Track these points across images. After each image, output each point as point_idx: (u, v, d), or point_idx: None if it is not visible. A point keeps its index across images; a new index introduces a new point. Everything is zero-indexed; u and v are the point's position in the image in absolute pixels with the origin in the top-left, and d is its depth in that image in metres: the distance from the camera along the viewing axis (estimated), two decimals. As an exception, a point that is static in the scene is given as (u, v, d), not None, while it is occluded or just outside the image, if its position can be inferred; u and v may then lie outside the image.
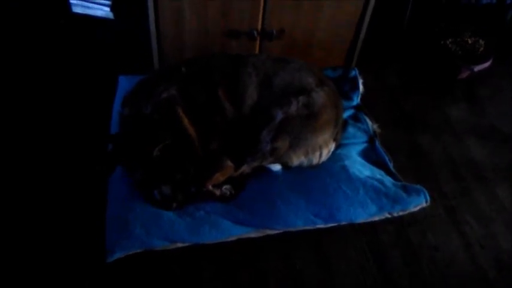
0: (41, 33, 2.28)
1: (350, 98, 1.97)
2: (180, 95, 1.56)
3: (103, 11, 2.23)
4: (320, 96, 1.64)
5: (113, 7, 2.22)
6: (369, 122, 1.89)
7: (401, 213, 1.60)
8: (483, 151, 1.95)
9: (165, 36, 1.91)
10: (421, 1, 2.44)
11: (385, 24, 2.39)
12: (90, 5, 2.22)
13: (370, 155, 1.79)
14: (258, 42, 1.97)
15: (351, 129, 1.85)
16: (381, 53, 2.39)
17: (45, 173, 1.68)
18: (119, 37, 2.28)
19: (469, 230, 1.65)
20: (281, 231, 1.54)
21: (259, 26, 1.91)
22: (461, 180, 1.82)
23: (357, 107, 1.97)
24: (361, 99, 1.99)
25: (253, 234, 1.52)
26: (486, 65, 2.25)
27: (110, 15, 2.24)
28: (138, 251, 1.43)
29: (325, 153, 1.66)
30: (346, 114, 1.90)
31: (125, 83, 1.88)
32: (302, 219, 1.51)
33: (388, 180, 1.64)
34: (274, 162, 1.63)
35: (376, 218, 1.58)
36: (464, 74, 2.27)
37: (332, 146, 1.69)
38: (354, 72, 2.05)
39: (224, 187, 1.56)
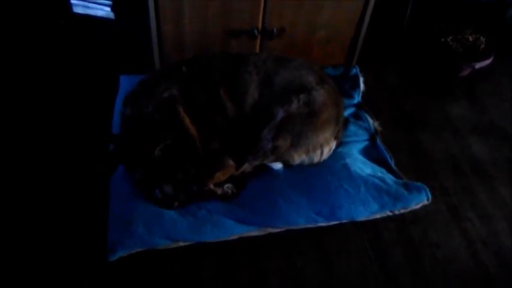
0: (41, 33, 2.29)
1: (351, 96, 1.97)
2: (181, 95, 1.56)
3: (104, 11, 2.24)
4: (321, 95, 1.65)
5: (114, 7, 2.22)
6: (370, 120, 1.89)
7: (402, 211, 1.60)
8: (484, 148, 1.95)
9: (165, 36, 1.91)
10: (421, -1, 2.44)
11: (385, 23, 2.39)
12: (91, 5, 2.23)
13: (371, 153, 1.79)
14: (258, 41, 1.97)
15: (352, 127, 1.85)
16: (381, 51, 2.39)
17: (46, 172, 1.69)
18: (120, 37, 2.28)
19: (470, 227, 1.65)
20: (283, 229, 1.54)
21: (260, 25, 1.91)
22: (462, 178, 1.82)
23: (357, 105, 1.97)
24: (362, 97, 2.00)
25: (255, 232, 1.53)
26: (487, 62, 2.25)
27: (111, 15, 2.24)
28: (140, 250, 1.44)
29: (326, 152, 1.67)
30: (347, 112, 1.90)
31: (126, 83, 1.88)
32: (303, 218, 1.52)
33: (389, 178, 1.64)
34: (275, 161, 1.63)
35: (378, 216, 1.59)
36: (466, 72, 2.27)
37: (333, 144, 1.69)
38: (355, 70, 2.05)
39: (226, 186, 1.57)
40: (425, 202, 1.60)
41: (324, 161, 1.67)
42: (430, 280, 1.49)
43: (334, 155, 1.70)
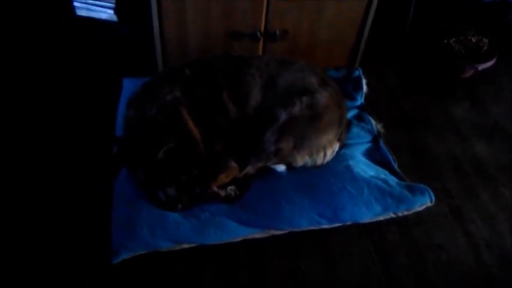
0: (45, 36, 2.30)
1: (354, 98, 1.97)
2: (184, 97, 1.56)
3: (107, 13, 2.25)
4: (323, 97, 1.65)
5: (117, 10, 2.23)
6: (373, 122, 1.89)
7: (406, 213, 1.60)
8: (487, 150, 1.95)
9: (168, 38, 1.92)
10: (423, 0, 2.43)
11: (387, 24, 2.39)
12: (94, 7, 2.24)
13: (374, 155, 1.79)
14: (261, 43, 1.98)
15: (354, 129, 1.85)
16: (383, 53, 2.39)
17: (50, 175, 1.69)
18: (123, 39, 2.29)
19: (474, 228, 1.65)
20: (286, 231, 1.54)
21: (263, 27, 1.92)
22: (465, 179, 1.82)
23: (360, 107, 1.97)
24: (364, 99, 2.00)
25: (258, 234, 1.53)
26: (490, 63, 2.24)
27: (114, 17, 2.25)
28: (144, 252, 1.44)
29: (330, 154, 1.67)
30: (350, 114, 1.90)
31: (129, 85, 1.89)
32: (307, 220, 1.52)
33: (392, 179, 1.64)
34: (278, 163, 1.63)
35: (381, 218, 1.59)
36: (468, 73, 2.26)
37: (336, 146, 1.69)
38: (358, 72, 2.06)
39: (229, 188, 1.57)
40: (429, 204, 1.60)
41: (327, 163, 1.67)
42: (433, 282, 1.49)
43: (337, 157, 1.70)
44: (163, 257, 1.47)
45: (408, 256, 1.55)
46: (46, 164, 1.73)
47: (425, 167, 1.86)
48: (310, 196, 1.55)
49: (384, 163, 1.76)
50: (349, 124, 1.85)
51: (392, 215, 1.59)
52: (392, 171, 1.71)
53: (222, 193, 1.55)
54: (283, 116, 1.60)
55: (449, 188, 1.78)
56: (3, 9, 2.29)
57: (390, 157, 1.76)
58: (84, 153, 1.77)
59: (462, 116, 2.09)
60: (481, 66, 2.24)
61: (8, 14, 2.31)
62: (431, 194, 1.60)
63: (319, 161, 1.66)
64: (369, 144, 1.83)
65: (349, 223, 1.56)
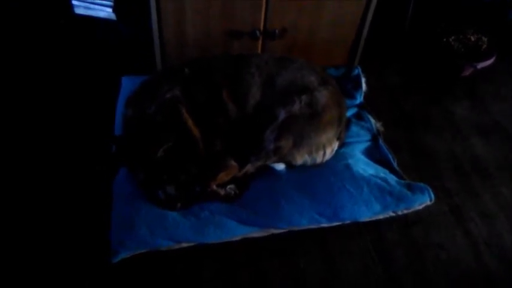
0: (43, 34, 2.29)
1: (353, 97, 1.97)
2: (184, 96, 1.56)
3: (105, 12, 2.24)
4: (323, 95, 1.65)
5: (115, 8, 2.22)
6: (372, 121, 1.89)
7: (405, 212, 1.60)
8: (486, 148, 1.95)
9: (167, 37, 1.91)
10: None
11: (387, 23, 2.39)
12: (92, 6, 2.23)
13: (373, 154, 1.79)
14: (260, 42, 1.97)
15: (354, 128, 1.85)
16: (383, 51, 2.39)
17: (48, 174, 1.69)
18: (121, 38, 2.28)
19: (473, 227, 1.64)
20: (285, 230, 1.54)
21: (262, 26, 1.91)
22: (465, 178, 1.82)
23: (360, 106, 1.97)
24: (364, 97, 1.99)
25: (258, 233, 1.53)
26: (489, 62, 2.24)
27: (112, 16, 2.24)
28: (143, 251, 1.44)
29: (329, 152, 1.66)
30: (349, 112, 1.90)
31: (128, 84, 1.88)
32: (306, 218, 1.51)
33: (392, 178, 1.64)
34: (278, 162, 1.63)
35: (381, 217, 1.59)
36: (467, 72, 2.26)
37: (335, 144, 1.69)
38: (357, 70, 2.05)
39: (228, 187, 1.57)
40: (428, 203, 1.60)
41: (327, 161, 1.67)
42: (433, 281, 1.49)
43: (337, 155, 1.70)
44: (162, 256, 1.47)
45: (407, 255, 1.55)
46: (45, 163, 1.73)
47: (424, 165, 1.86)
48: (310, 195, 1.54)
49: (383, 162, 1.75)
50: (348, 123, 1.85)
51: (392, 214, 1.59)
52: (391, 170, 1.71)
53: (222, 192, 1.55)
54: (282, 115, 1.60)
55: (449, 187, 1.77)
56: (1, 7, 2.28)
57: (390, 156, 1.76)
58: (83, 152, 1.76)
59: (462, 115, 2.09)
60: (480, 65, 2.24)
61: (6, 12, 2.29)
62: (431, 192, 1.60)
63: (319, 159, 1.65)
64: (369, 143, 1.82)
65: (348, 222, 1.56)
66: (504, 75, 2.31)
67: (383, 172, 1.68)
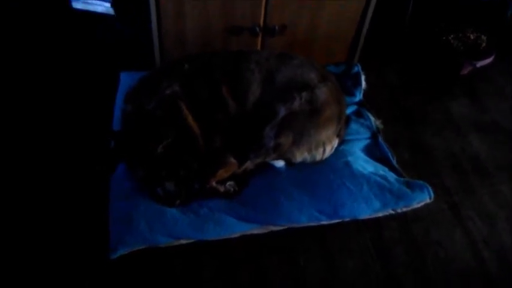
0: (40, 29, 2.27)
1: (353, 94, 1.96)
2: (183, 92, 1.55)
3: (103, 6, 2.22)
4: (323, 92, 1.64)
5: (114, 3, 2.21)
6: (372, 118, 1.88)
7: (404, 210, 1.59)
8: (485, 147, 1.95)
9: (166, 33, 1.90)
10: (422, -3, 2.43)
11: (386, 21, 2.38)
12: (91, 0, 2.21)
13: (373, 151, 1.78)
14: (260, 38, 1.96)
15: (353, 125, 1.85)
16: (382, 49, 2.38)
17: (46, 170, 1.68)
18: (120, 33, 2.26)
19: (472, 226, 1.65)
20: (285, 227, 1.53)
21: (261, 22, 1.90)
22: (464, 176, 1.82)
23: (359, 103, 1.96)
24: (363, 95, 1.99)
25: (257, 230, 1.52)
26: (488, 60, 2.24)
27: (111, 11, 2.22)
28: (142, 247, 1.43)
29: (329, 150, 1.66)
30: (349, 110, 1.89)
31: (126, 79, 1.87)
32: (306, 216, 1.51)
33: (391, 176, 1.64)
34: (277, 159, 1.62)
35: (380, 214, 1.58)
36: (466, 70, 2.26)
37: (335, 142, 1.68)
38: (357, 68, 2.05)
39: (228, 183, 1.56)
40: (428, 201, 1.60)
41: (326, 159, 1.67)
42: (431, 278, 1.49)
43: (336, 153, 1.69)
44: (161, 253, 1.46)
45: (407, 252, 1.55)
46: (42, 159, 1.71)
47: (423, 163, 1.86)
48: (310, 192, 1.54)
49: (382, 159, 1.75)
50: (348, 120, 1.84)
51: (391, 212, 1.59)
52: (391, 168, 1.71)
53: (221, 189, 1.54)
54: (282, 112, 1.59)
55: (448, 185, 1.78)
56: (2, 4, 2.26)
57: (389, 153, 1.76)
58: (81, 148, 1.75)
59: (461, 113, 2.09)
60: (480, 64, 2.24)
61: (3, 7, 2.27)
62: (431, 190, 1.59)
63: (318, 156, 1.65)
64: (368, 141, 1.82)
65: (348, 219, 1.56)
66: (503, 74, 2.31)
67: (382, 170, 1.68)
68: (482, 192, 1.76)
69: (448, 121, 2.05)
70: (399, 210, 1.59)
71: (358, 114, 1.92)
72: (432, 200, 1.60)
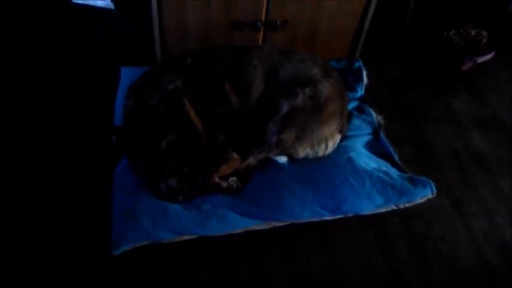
0: (41, 24, 2.25)
1: (354, 90, 1.96)
2: (186, 87, 1.54)
3: (103, 1, 2.21)
4: (326, 88, 1.64)
5: (114, -3, 2.20)
6: (374, 114, 1.88)
7: (407, 205, 1.60)
8: (486, 143, 1.95)
9: (167, 28, 1.88)
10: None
11: (387, 17, 2.37)
12: (90, -5, 2.20)
13: (375, 147, 1.78)
14: (261, 33, 1.95)
15: (355, 121, 1.85)
16: (383, 45, 2.38)
17: (48, 167, 1.66)
18: (120, 28, 2.25)
19: (474, 221, 1.65)
20: (287, 223, 1.53)
21: (263, 17, 1.89)
22: (465, 172, 1.82)
23: (361, 99, 1.96)
24: (365, 90, 1.99)
25: (260, 226, 1.52)
26: (489, 56, 2.25)
27: (111, 5, 2.21)
28: (145, 243, 1.42)
29: (331, 145, 1.66)
30: (351, 106, 1.89)
31: (127, 74, 1.86)
32: (309, 211, 1.51)
33: (394, 172, 1.64)
34: (280, 154, 1.62)
35: (383, 210, 1.59)
36: (467, 66, 2.26)
37: (338, 137, 1.68)
38: (358, 63, 2.05)
39: (230, 179, 1.55)
40: (430, 196, 1.60)
41: (329, 154, 1.66)
42: (434, 273, 1.50)
43: (339, 148, 1.69)
44: (164, 249, 1.45)
45: (409, 248, 1.55)
46: (43, 156, 1.70)
47: (425, 159, 1.86)
48: (313, 188, 1.54)
49: (384, 155, 1.75)
50: (350, 116, 1.84)
51: (394, 207, 1.59)
52: (393, 163, 1.71)
53: (224, 184, 1.54)
54: (285, 107, 1.59)
55: (449, 180, 1.78)
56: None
57: (391, 149, 1.76)
58: (82, 144, 1.74)
59: (462, 109, 2.09)
60: (480, 59, 2.24)
61: (4, 3, 2.25)
62: (433, 186, 1.60)
63: (321, 152, 1.65)
64: (370, 136, 1.82)
65: (350, 215, 1.56)
66: (504, 70, 2.31)
67: (385, 165, 1.68)
68: (483, 187, 1.77)
69: (450, 117, 2.06)
70: (401, 206, 1.60)
71: (359, 109, 1.92)
72: (434, 195, 1.60)
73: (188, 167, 1.47)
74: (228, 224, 1.48)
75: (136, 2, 2.11)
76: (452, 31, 2.30)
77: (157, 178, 1.46)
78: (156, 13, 1.81)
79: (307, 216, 1.52)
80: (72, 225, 1.50)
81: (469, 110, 2.10)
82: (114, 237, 1.39)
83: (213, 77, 1.59)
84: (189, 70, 1.58)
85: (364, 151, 1.72)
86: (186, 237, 1.47)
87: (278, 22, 1.91)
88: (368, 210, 1.56)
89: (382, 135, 1.81)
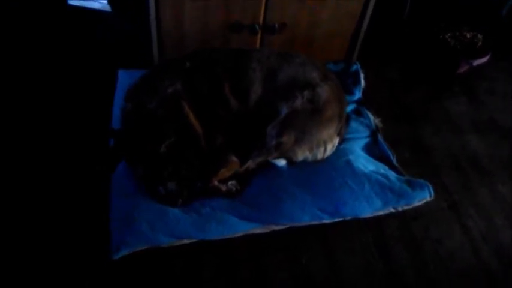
0: (37, 26, 2.23)
1: (352, 93, 1.96)
2: (185, 90, 1.54)
3: (100, 3, 2.20)
4: (324, 91, 1.64)
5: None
6: (371, 117, 1.89)
7: (405, 208, 1.60)
8: (483, 145, 1.97)
9: (165, 29, 1.88)
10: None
11: (385, 20, 2.38)
12: (87, -3, 2.19)
13: (373, 150, 1.79)
14: (259, 36, 1.95)
15: (353, 124, 1.85)
16: (380, 48, 2.39)
17: (46, 170, 1.65)
18: (117, 30, 2.23)
19: (471, 223, 1.66)
20: (286, 226, 1.53)
21: (261, 20, 1.89)
22: (462, 174, 1.83)
23: (358, 102, 1.96)
24: (362, 93, 1.99)
25: (259, 230, 1.52)
26: (485, 59, 2.26)
27: (107, 7, 2.20)
28: (144, 248, 1.42)
29: (330, 148, 1.66)
30: (349, 108, 1.89)
31: (124, 77, 1.85)
32: (308, 215, 1.51)
33: (392, 174, 1.65)
34: (279, 158, 1.62)
35: (381, 213, 1.59)
36: (463, 69, 2.28)
37: (336, 140, 1.69)
38: (356, 66, 2.05)
39: (230, 183, 1.55)
40: (428, 199, 1.61)
41: (327, 157, 1.67)
42: (432, 275, 1.51)
43: (337, 151, 1.69)
44: (163, 253, 1.45)
45: (408, 250, 1.56)
46: (41, 158, 1.69)
47: (422, 161, 1.87)
48: (312, 191, 1.54)
49: (382, 158, 1.76)
50: (348, 118, 1.84)
51: (392, 210, 1.60)
52: (391, 166, 1.72)
53: (223, 188, 1.54)
54: (284, 110, 1.59)
55: (447, 183, 1.79)
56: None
57: (389, 152, 1.76)
58: (80, 147, 1.73)
59: (459, 112, 2.11)
60: (476, 62, 2.26)
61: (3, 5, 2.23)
62: (431, 189, 1.61)
63: (320, 155, 1.65)
64: (368, 139, 1.82)
65: (349, 218, 1.56)
66: (499, 73, 2.33)
67: (383, 168, 1.68)
68: (480, 190, 1.78)
69: (447, 119, 2.07)
70: (400, 209, 1.60)
71: (357, 112, 1.92)
72: (432, 198, 1.61)
73: (187, 171, 1.47)
74: (228, 227, 1.47)
75: (134, 4, 2.10)
76: (449, 34, 2.31)
77: (156, 182, 1.46)
78: (154, 15, 1.81)
79: (306, 219, 1.52)
80: (70, 229, 1.49)
81: (466, 112, 2.11)
82: (113, 241, 1.38)
83: (212, 79, 1.59)
84: (188, 73, 1.58)
85: (362, 154, 1.73)
86: (185, 241, 1.46)
87: (276, 25, 1.92)
88: (367, 213, 1.56)
89: (380, 138, 1.82)
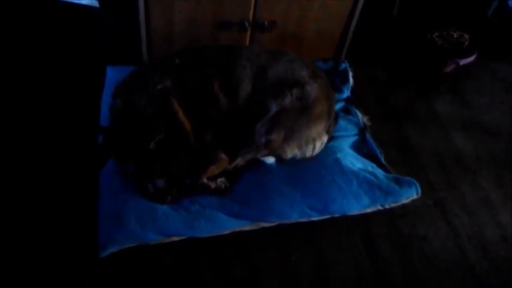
0: (24, 21, 2.19)
1: (340, 91, 1.98)
2: (175, 87, 1.54)
3: (88, -1, 2.17)
4: (313, 89, 1.65)
5: (99, -5, 2.16)
6: (359, 115, 1.90)
7: (393, 205, 1.63)
8: (468, 143, 1.99)
9: (154, 27, 1.86)
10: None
11: (373, 18, 2.40)
12: (75, -8, 2.16)
13: (361, 148, 1.80)
14: (249, 33, 1.95)
15: (342, 122, 1.86)
16: (369, 46, 2.40)
17: (33, 168, 1.63)
18: (105, 27, 2.21)
19: (456, 220, 1.69)
20: (275, 223, 1.54)
21: (251, 18, 1.89)
22: (448, 172, 1.86)
23: (347, 100, 1.98)
24: (351, 91, 2.01)
25: (248, 227, 1.52)
26: (471, 59, 2.29)
27: (95, 3, 2.17)
28: (132, 245, 1.41)
29: (318, 146, 1.67)
30: (337, 106, 1.91)
31: (113, 74, 1.84)
32: (297, 212, 1.52)
33: (380, 172, 1.67)
34: (268, 155, 1.62)
35: (369, 210, 1.61)
36: (449, 68, 2.31)
37: (325, 138, 1.70)
38: (344, 65, 2.06)
39: (219, 180, 1.56)
40: (415, 196, 1.63)
41: (316, 155, 1.68)
42: (418, 272, 1.53)
43: (326, 149, 1.71)
44: (151, 251, 1.44)
45: (394, 247, 1.58)
46: (29, 156, 1.67)
47: (409, 160, 1.89)
48: (300, 188, 1.55)
49: (370, 156, 1.77)
50: (336, 117, 1.86)
51: (380, 207, 1.62)
52: (378, 164, 1.73)
53: (212, 185, 1.54)
54: (273, 108, 1.60)
55: (433, 181, 1.81)
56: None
57: (377, 150, 1.78)
58: (68, 144, 1.71)
59: (445, 110, 2.13)
60: (462, 62, 2.28)
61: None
62: (418, 187, 1.63)
63: (309, 153, 1.66)
64: (356, 137, 1.84)
65: (337, 215, 1.57)
66: (485, 72, 2.37)
67: (371, 166, 1.70)
68: (465, 187, 1.81)
69: (433, 118, 2.09)
70: (387, 206, 1.62)
71: (346, 110, 1.94)
72: (419, 195, 1.63)
73: (176, 168, 1.47)
74: (217, 225, 1.48)
75: (123, 1, 2.08)
76: (436, 33, 2.34)
77: (145, 179, 1.45)
78: (143, 12, 1.79)
79: (295, 216, 1.53)
80: (58, 227, 1.48)
81: (452, 111, 2.14)
82: (101, 239, 1.37)
83: (202, 76, 1.59)
84: (177, 70, 1.58)
85: (350, 152, 1.74)
86: (174, 239, 1.46)
87: (266, 23, 1.92)
88: (355, 210, 1.58)
89: (368, 136, 1.84)
